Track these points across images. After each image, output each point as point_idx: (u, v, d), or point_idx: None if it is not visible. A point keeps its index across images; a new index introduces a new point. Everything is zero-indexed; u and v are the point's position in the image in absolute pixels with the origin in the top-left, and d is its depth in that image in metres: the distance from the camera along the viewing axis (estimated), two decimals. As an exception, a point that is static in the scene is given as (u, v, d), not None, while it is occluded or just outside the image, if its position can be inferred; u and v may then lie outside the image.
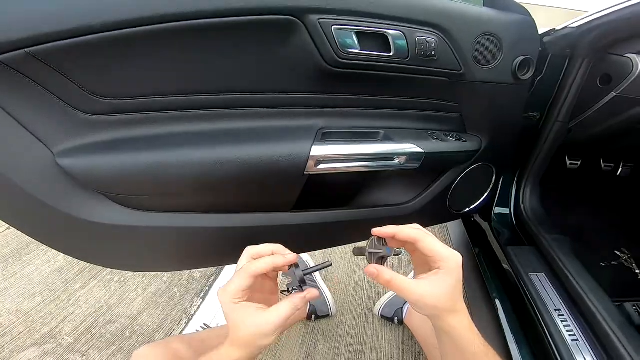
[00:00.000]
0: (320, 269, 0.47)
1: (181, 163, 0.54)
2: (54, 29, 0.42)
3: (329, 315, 1.13)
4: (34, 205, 0.52)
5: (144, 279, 1.23)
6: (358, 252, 0.48)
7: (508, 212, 1.00)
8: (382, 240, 0.46)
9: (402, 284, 0.41)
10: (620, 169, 1.21)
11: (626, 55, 0.77)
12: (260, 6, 0.49)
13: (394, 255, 0.45)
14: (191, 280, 1.25)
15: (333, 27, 0.53)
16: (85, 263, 1.25)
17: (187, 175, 0.55)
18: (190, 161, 0.54)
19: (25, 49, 0.41)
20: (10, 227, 0.64)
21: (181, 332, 1.07)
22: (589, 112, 0.85)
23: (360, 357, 1.02)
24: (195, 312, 1.14)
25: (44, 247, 1.28)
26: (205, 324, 1.10)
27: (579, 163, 1.15)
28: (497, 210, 1.00)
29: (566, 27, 0.74)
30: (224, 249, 0.70)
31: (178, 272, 1.27)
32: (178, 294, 1.19)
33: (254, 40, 0.52)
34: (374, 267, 0.42)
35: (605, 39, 0.72)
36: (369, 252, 0.46)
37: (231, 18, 0.48)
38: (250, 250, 0.47)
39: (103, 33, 0.44)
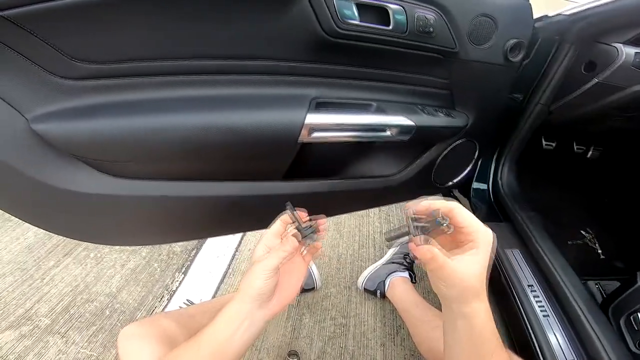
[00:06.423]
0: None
1: (165, 128, 0.52)
2: None
3: (314, 288, 1.15)
4: (6, 174, 0.49)
5: (122, 254, 1.19)
6: (392, 237, 0.41)
7: (486, 188, 1.04)
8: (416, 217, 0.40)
9: (447, 264, 0.36)
10: (590, 152, 1.28)
11: (612, 44, 0.79)
12: None
13: (443, 225, 0.38)
14: (172, 255, 1.22)
15: None
16: (57, 240, 1.19)
17: (171, 140, 0.54)
18: (175, 126, 0.53)
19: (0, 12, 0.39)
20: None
21: (164, 309, 1.05)
22: (571, 96, 0.88)
23: (344, 331, 1.04)
24: (177, 287, 1.12)
25: (11, 223, 1.23)
26: (188, 300, 1.09)
27: (554, 144, 1.20)
28: (475, 185, 1.04)
29: (559, 14, 0.77)
30: (212, 220, 0.69)
31: (157, 247, 1.23)
32: (158, 269, 1.16)
33: (253, 6, 0.51)
34: (429, 250, 0.37)
35: (595, 27, 0.75)
36: (414, 226, 0.39)
37: None
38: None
39: None
